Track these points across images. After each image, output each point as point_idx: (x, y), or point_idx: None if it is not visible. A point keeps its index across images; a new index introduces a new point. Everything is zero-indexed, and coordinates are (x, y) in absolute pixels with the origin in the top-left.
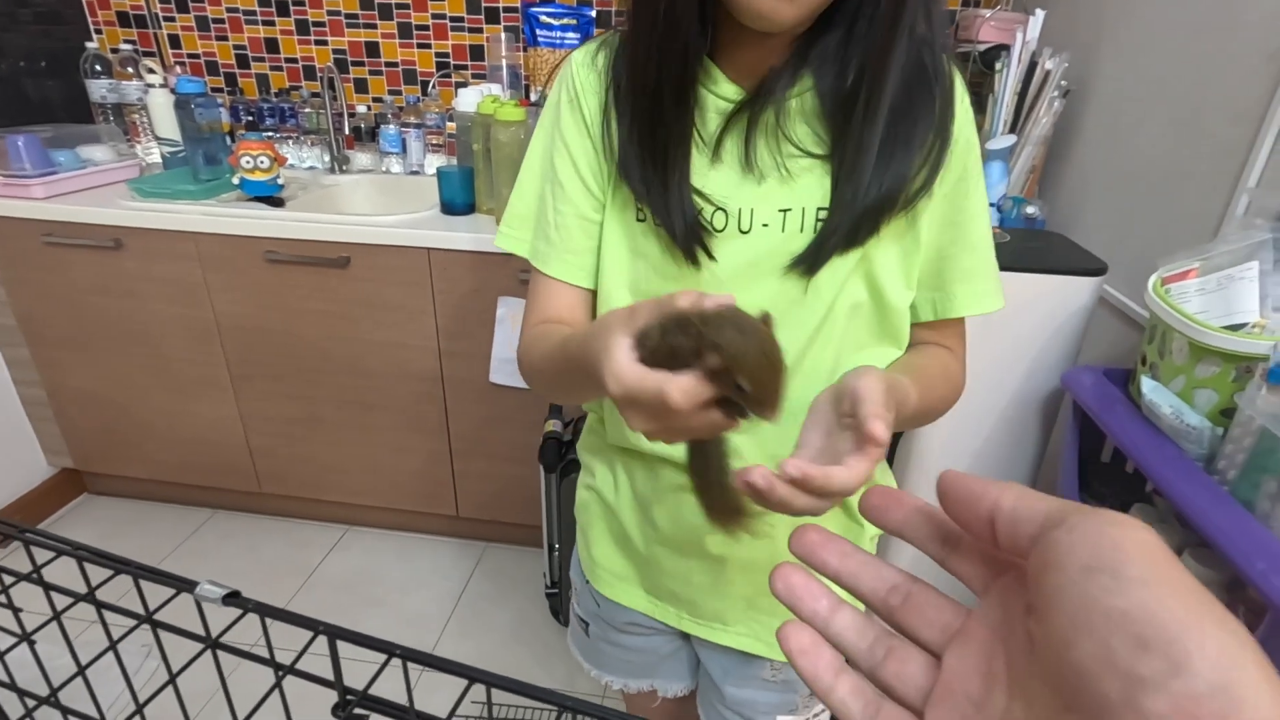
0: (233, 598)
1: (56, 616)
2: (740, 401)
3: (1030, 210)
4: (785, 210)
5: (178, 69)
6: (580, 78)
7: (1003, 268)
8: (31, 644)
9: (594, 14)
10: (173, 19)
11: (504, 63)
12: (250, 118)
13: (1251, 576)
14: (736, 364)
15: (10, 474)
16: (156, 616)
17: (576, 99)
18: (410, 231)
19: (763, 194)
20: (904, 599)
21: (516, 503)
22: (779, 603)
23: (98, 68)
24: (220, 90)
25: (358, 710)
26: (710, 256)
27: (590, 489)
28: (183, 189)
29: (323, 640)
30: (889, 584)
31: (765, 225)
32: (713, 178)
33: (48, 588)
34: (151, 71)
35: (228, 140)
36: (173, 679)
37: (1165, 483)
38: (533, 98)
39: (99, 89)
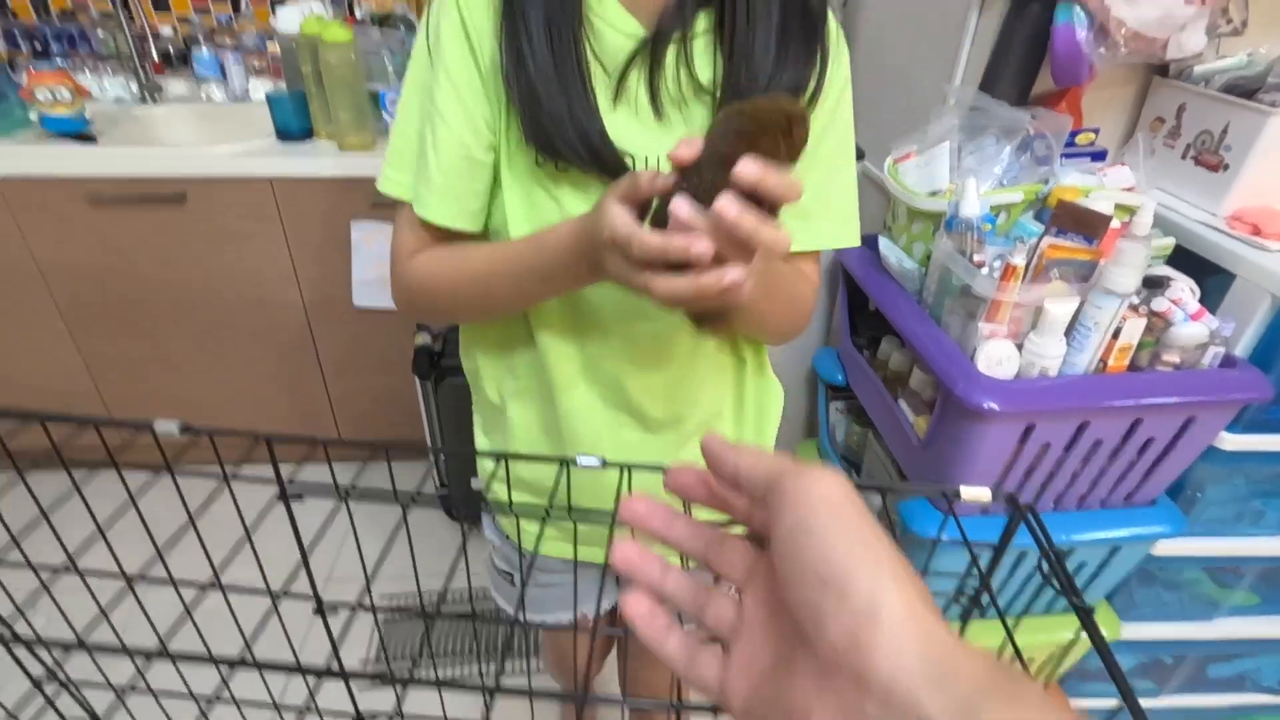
0: (187, 429)
1: (24, 478)
2: (777, 152)
3: None
4: None
5: None
6: (465, 4)
7: None
8: None
9: None
10: None
11: None
12: (34, 43)
13: (932, 366)
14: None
15: None
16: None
17: (462, 24)
18: (249, 161)
19: (669, 140)
20: (715, 547)
21: (395, 415)
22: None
23: None
24: None
25: (294, 494)
26: None
27: (490, 437)
28: None
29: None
30: (704, 539)
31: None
32: (614, 121)
33: (11, 455)
34: None
35: (8, 71)
36: (133, 501)
37: (892, 314)
38: (358, 14)
39: None
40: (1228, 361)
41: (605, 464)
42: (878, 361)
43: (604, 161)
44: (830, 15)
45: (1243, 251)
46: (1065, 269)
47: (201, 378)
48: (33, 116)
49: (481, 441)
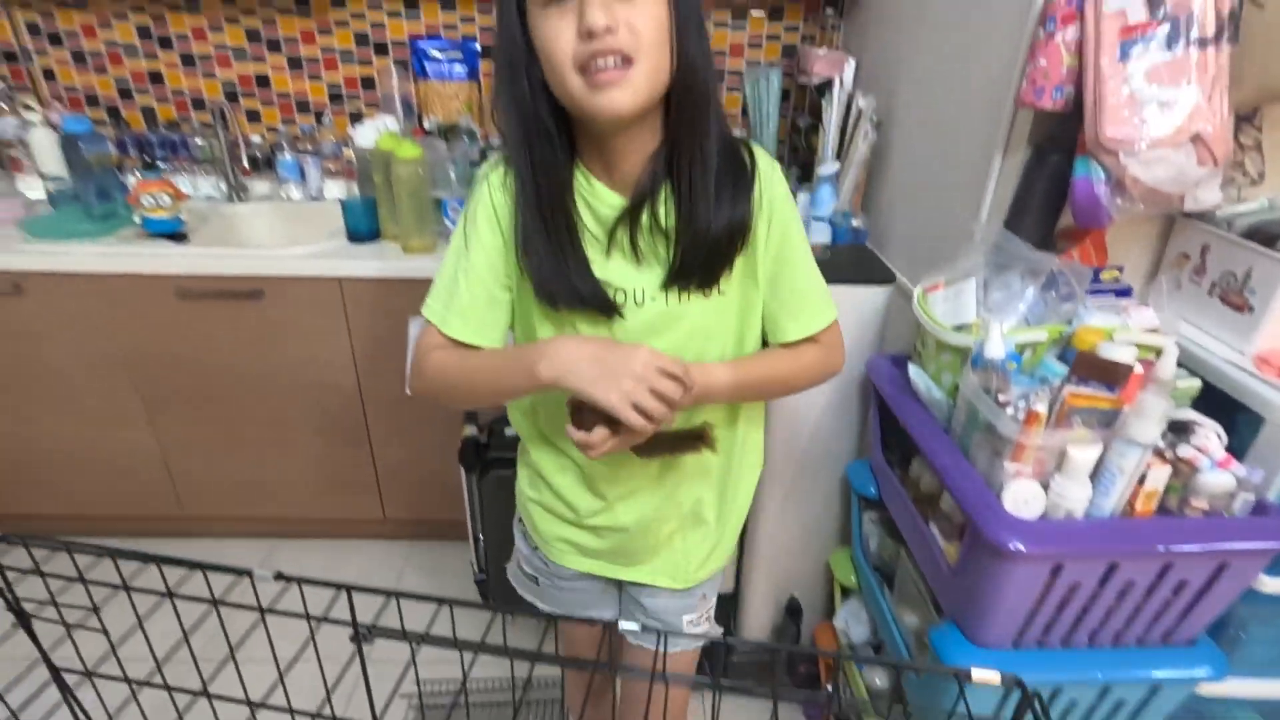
0: (280, 576)
1: (140, 621)
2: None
3: (856, 223)
4: (667, 289)
5: (57, 104)
6: (496, 200)
7: (825, 280)
8: (111, 642)
9: (479, 47)
10: (45, 53)
11: (395, 94)
12: (140, 151)
13: (960, 501)
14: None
15: None
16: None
17: (494, 215)
18: (321, 262)
19: (649, 278)
20: None
21: (439, 500)
22: (679, 546)
23: None
24: (102, 123)
25: (366, 638)
26: (621, 315)
27: (530, 472)
28: (80, 228)
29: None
30: None
31: (653, 299)
32: (609, 267)
33: (130, 590)
34: (29, 108)
35: (117, 174)
36: (232, 652)
37: (922, 440)
38: (426, 126)
39: None
40: (1260, 508)
41: (644, 629)
42: (909, 479)
43: (595, 306)
44: (761, 154)
45: (1270, 395)
46: (1088, 416)
47: (262, 457)
48: (135, 218)
49: (521, 473)
